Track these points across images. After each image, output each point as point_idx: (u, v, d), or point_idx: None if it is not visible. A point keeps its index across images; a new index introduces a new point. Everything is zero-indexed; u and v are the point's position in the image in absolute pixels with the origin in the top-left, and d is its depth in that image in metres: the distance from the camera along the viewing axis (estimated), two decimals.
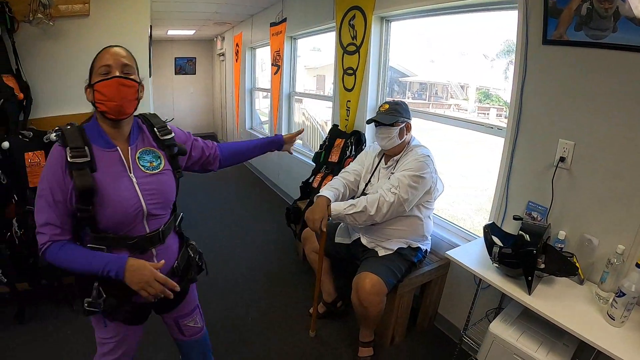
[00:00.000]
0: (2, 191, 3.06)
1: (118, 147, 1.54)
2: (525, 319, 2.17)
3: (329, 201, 2.62)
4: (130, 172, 1.53)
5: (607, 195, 2.08)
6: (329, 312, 3.26)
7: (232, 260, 4.26)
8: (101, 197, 1.43)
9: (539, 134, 2.39)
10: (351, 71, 4.08)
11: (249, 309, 3.40)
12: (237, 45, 8.52)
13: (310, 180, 4.26)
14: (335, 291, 3.25)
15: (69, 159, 1.40)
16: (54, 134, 1.49)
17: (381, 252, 2.73)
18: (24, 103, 3.17)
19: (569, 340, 1.98)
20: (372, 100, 3.94)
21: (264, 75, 8.22)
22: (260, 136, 7.53)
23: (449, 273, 3.07)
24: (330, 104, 4.64)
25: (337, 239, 2.97)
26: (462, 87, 9.29)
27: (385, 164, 2.81)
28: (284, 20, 5.76)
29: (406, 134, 2.72)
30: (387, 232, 2.73)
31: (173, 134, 1.70)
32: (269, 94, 6.79)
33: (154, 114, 1.76)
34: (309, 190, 4.19)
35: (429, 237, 2.89)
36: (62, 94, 3.47)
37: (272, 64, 6.31)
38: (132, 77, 1.51)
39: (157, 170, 1.60)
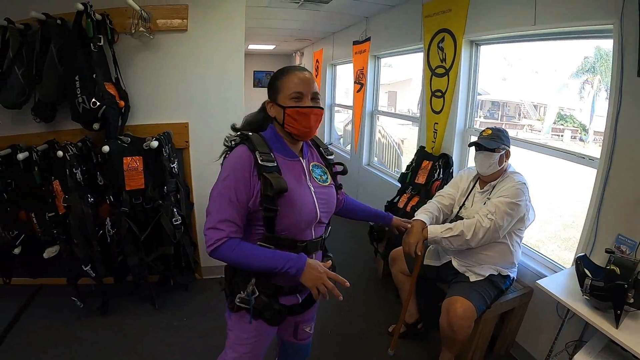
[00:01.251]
0: (99, 191, 3.28)
1: (300, 157, 1.68)
2: (608, 352, 2.12)
3: (424, 224, 2.66)
4: (309, 182, 1.66)
5: None
6: (409, 332, 3.26)
7: None
8: (289, 200, 1.53)
9: (633, 167, 2.32)
10: (440, 94, 4.08)
11: (327, 322, 3.40)
12: (317, 61, 8.71)
13: (396, 200, 4.27)
14: (417, 312, 3.26)
15: (259, 162, 1.50)
16: (231, 140, 1.62)
17: (473, 278, 2.74)
18: (122, 110, 3.32)
19: None
20: (460, 124, 3.94)
21: (342, 92, 8.28)
22: (339, 151, 7.75)
23: (531, 301, 3.02)
24: (405, 122, 4.58)
25: (427, 261, 3.00)
26: (535, 106, 9.01)
27: (481, 189, 2.83)
28: (368, 39, 5.85)
29: (505, 161, 2.73)
30: (480, 258, 2.74)
31: (333, 156, 1.86)
32: (351, 111, 6.84)
33: (317, 136, 1.87)
34: (394, 210, 4.17)
35: (517, 265, 2.87)
36: (157, 103, 3.66)
37: (355, 82, 6.42)
38: (320, 105, 1.63)
39: (326, 183, 1.73)
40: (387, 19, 5.29)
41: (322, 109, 1.63)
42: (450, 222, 2.81)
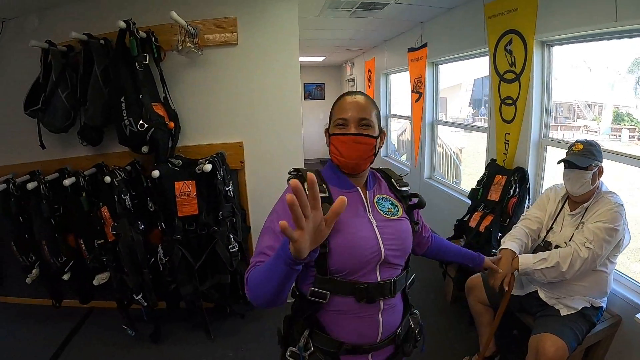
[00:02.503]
0: (150, 218, 3.16)
1: (358, 188, 1.51)
2: None
3: (514, 254, 2.43)
4: (370, 215, 1.47)
5: None
6: None
7: None
8: (339, 235, 1.34)
9: None
10: (510, 101, 3.75)
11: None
12: (369, 70, 8.50)
13: (467, 219, 3.96)
14: (495, 345, 2.98)
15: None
16: (290, 176, 1.45)
17: (564, 312, 2.46)
18: (172, 131, 3.20)
19: None
20: (535, 134, 3.58)
21: (397, 101, 8.03)
22: (396, 164, 7.51)
23: (618, 331, 2.71)
24: (457, 128, 4.27)
25: None
26: (589, 105, 8.61)
27: (571, 211, 2.54)
28: (425, 45, 5.56)
29: (598, 179, 2.43)
30: (571, 289, 2.46)
31: (409, 187, 1.63)
32: (408, 121, 6.55)
33: (388, 168, 1.72)
34: (465, 230, 3.91)
35: (608, 293, 2.57)
36: (209, 123, 3.53)
37: (413, 91, 6.13)
38: (368, 132, 1.45)
39: (396, 216, 1.51)
40: (445, 23, 4.99)
41: (372, 137, 1.45)
42: (538, 248, 2.58)
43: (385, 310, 1.44)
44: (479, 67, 4.56)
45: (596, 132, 8.09)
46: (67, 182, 3.04)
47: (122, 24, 2.86)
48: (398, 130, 8.63)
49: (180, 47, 3.15)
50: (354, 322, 1.40)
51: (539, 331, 2.39)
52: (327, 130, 1.51)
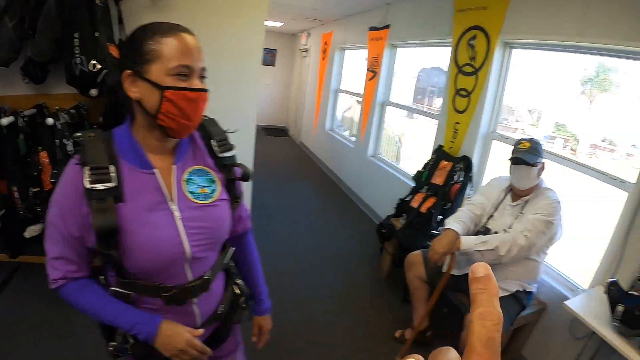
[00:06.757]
0: None
1: (156, 169, 1.16)
2: None
3: (457, 235, 2.58)
4: (172, 203, 1.17)
5: None
6: (416, 339, 3.12)
7: (312, 274, 4.11)
8: (128, 238, 1.09)
9: None
10: (465, 93, 3.93)
11: (331, 327, 3.30)
12: (325, 43, 8.46)
13: (409, 199, 4.12)
14: (428, 319, 3.14)
15: (86, 185, 1.05)
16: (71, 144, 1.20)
17: (499, 293, 2.58)
18: None
19: None
20: (484, 127, 3.79)
21: (349, 78, 8.11)
22: (341, 139, 7.56)
23: (543, 317, 2.97)
24: (400, 112, 4.37)
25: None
26: (529, 111, 9.10)
27: (513, 202, 2.73)
28: (387, 26, 5.62)
29: (540, 175, 2.64)
30: (506, 273, 2.64)
31: (235, 152, 1.32)
32: (357, 98, 6.64)
33: (212, 119, 1.35)
34: (406, 209, 4.07)
35: (538, 281, 2.81)
36: None
37: (368, 70, 6.21)
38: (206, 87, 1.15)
39: (209, 200, 1.22)
40: (412, 8, 5.07)
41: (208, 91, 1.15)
42: (477, 233, 2.75)
43: (200, 302, 1.29)
44: (428, 58, 4.69)
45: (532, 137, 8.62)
46: (4, 120, 2.74)
47: None
48: (345, 107, 8.72)
49: None
50: (169, 316, 1.20)
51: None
52: (137, 75, 1.07)
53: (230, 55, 3.47)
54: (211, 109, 1.20)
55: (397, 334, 3.21)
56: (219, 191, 1.24)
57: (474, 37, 3.82)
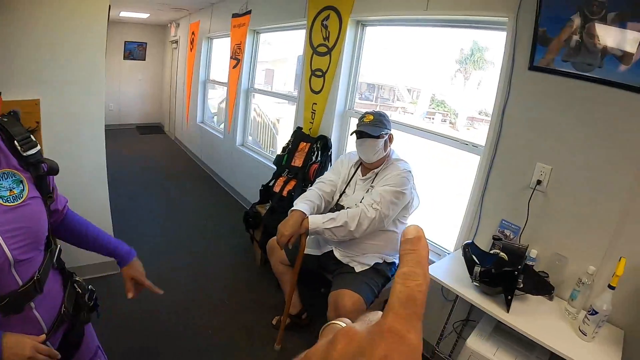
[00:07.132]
0: None
1: None
2: (499, 333, 2.23)
3: (304, 215, 2.53)
4: None
5: (581, 219, 2.18)
6: (294, 324, 3.14)
7: (183, 267, 3.96)
8: None
9: (517, 156, 2.45)
10: (320, 73, 3.94)
11: (207, 320, 3.20)
12: (192, 33, 8.16)
13: (271, 184, 4.08)
14: (300, 303, 3.15)
15: None
16: None
17: (358, 268, 2.66)
18: None
19: (540, 353, 2.09)
20: (340, 105, 3.84)
21: (218, 68, 7.87)
22: (212, 130, 7.36)
23: None
24: (281, 100, 4.40)
25: (306, 250, 2.81)
26: (409, 90, 9.53)
27: (363, 176, 2.74)
28: (249, 12, 5.54)
29: (389, 146, 2.66)
30: (363, 247, 2.66)
31: (39, 147, 1.28)
32: (226, 87, 6.47)
33: (14, 114, 1.30)
34: (270, 195, 4.02)
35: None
36: (3, 75, 2.92)
37: (232, 57, 6.07)
38: None
39: (19, 201, 1.18)
40: None
41: None
42: (331, 210, 2.72)
43: (40, 306, 1.27)
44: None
45: (412, 113, 9.00)
46: None
47: None
48: (220, 98, 8.51)
49: None
50: (14, 329, 1.17)
51: (336, 287, 2.55)
52: None
53: (73, 51, 3.10)
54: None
55: (274, 321, 3.18)
56: (27, 190, 1.22)
57: (327, 18, 3.84)
